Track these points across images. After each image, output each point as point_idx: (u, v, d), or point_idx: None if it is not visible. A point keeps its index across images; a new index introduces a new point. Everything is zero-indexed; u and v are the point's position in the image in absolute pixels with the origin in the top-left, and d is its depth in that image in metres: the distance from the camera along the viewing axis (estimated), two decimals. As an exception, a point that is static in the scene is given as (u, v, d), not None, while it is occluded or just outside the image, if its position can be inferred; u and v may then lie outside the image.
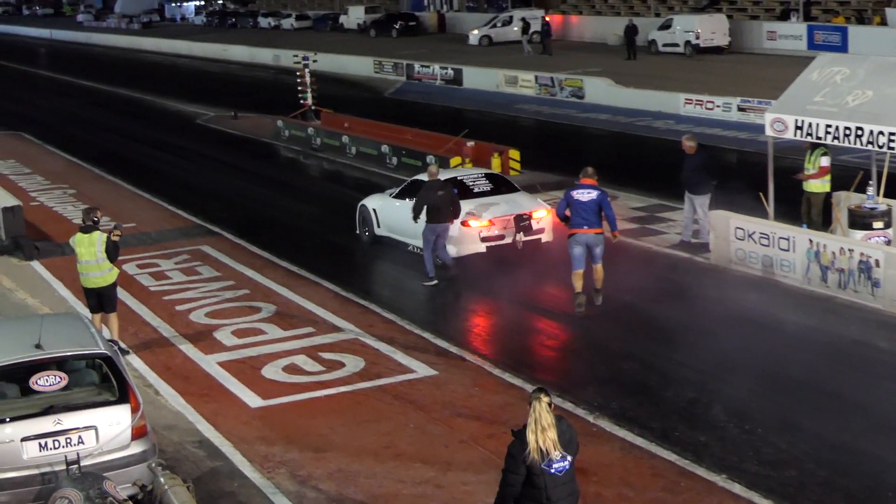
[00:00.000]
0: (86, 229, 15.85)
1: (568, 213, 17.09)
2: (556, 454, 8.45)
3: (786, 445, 12.16)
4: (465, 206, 19.33)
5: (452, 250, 19.21)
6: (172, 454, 12.53)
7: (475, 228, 19.36)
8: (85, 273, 15.92)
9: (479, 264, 19.56)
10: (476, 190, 20.20)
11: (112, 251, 15.76)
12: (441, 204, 18.77)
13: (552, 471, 8.45)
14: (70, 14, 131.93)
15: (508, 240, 19.43)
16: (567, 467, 8.54)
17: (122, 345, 15.86)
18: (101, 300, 16.00)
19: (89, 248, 15.75)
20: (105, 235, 15.78)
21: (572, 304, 16.97)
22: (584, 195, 17.02)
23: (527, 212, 19.63)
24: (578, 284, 16.95)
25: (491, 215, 19.47)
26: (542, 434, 8.40)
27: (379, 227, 21.37)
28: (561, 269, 18.33)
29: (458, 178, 20.43)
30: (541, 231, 19.75)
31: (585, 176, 17.36)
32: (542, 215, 19.76)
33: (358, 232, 22.00)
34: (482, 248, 19.40)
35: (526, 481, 8.49)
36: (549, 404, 8.47)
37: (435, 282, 18.86)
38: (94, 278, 15.89)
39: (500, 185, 20.68)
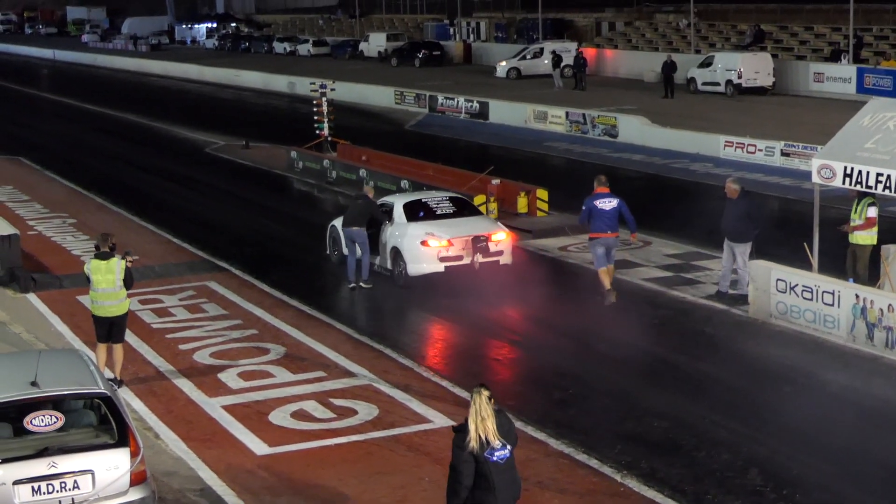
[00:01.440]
0: (102, 256, 16.15)
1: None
2: (496, 443, 9.77)
3: (827, 514, 12.14)
4: (426, 227, 21.32)
5: (413, 269, 21.01)
6: (172, 502, 12.56)
7: (434, 248, 21.08)
8: (100, 302, 16.21)
9: (496, 302, 19.81)
10: (438, 212, 22.04)
11: (129, 279, 16.19)
12: (355, 210, 21.66)
13: (494, 458, 9.77)
14: (75, 34, 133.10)
15: (467, 260, 21.14)
16: (507, 455, 9.86)
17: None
18: (111, 329, 16.30)
19: (106, 276, 16.06)
20: (123, 263, 16.13)
21: (603, 299, 19.84)
22: (607, 204, 20.02)
23: (485, 234, 21.30)
24: (607, 281, 19.98)
25: (449, 236, 21.14)
26: (482, 424, 9.73)
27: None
28: (570, 303, 18.53)
29: (423, 199, 22.50)
30: (499, 253, 21.46)
31: (601, 184, 20.25)
32: (501, 238, 21.53)
33: (328, 252, 23.27)
34: (441, 267, 21.10)
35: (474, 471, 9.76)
36: (490, 398, 9.81)
37: (353, 287, 21.51)
38: (110, 307, 16.21)
39: (463, 207, 22.51)
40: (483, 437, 9.73)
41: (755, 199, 21.29)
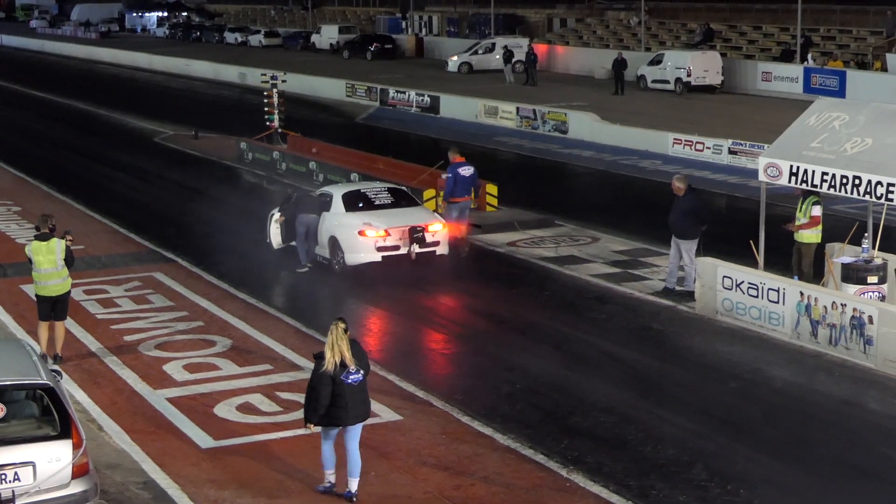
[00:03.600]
0: (43, 237, 16.47)
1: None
2: (351, 367, 11.82)
3: (770, 510, 12.21)
4: (364, 217, 21.62)
5: (350, 258, 21.31)
6: (115, 495, 12.43)
7: (371, 238, 21.35)
8: (43, 282, 16.53)
9: (439, 294, 19.77)
10: (377, 202, 22.38)
11: (70, 257, 16.51)
12: (309, 202, 22.40)
13: (349, 381, 11.87)
14: (23, 19, 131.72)
15: (404, 250, 21.38)
16: (360, 379, 11.98)
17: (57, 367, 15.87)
18: (54, 307, 16.62)
19: (48, 256, 16.35)
20: (63, 242, 16.41)
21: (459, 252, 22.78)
22: (467, 171, 23.23)
23: (421, 224, 21.62)
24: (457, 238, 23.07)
25: (386, 226, 21.45)
26: (338, 349, 11.78)
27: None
28: (515, 297, 18.47)
29: (361, 190, 22.94)
30: (436, 244, 21.80)
31: (458, 154, 23.38)
32: (438, 229, 21.89)
33: (268, 241, 23.17)
34: (378, 257, 21.41)
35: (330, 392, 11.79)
36: (345, 330, 11.88)
37: (306, 269, 22.02)
38: (54, 286, 16.52)
39: (401, 198, 22.83)
40: (338, 361, 11.76)
41: (701, 197, 21.36)
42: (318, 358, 11.90)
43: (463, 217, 23.36)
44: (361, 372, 11.97)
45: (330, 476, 12.40)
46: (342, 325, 11.92)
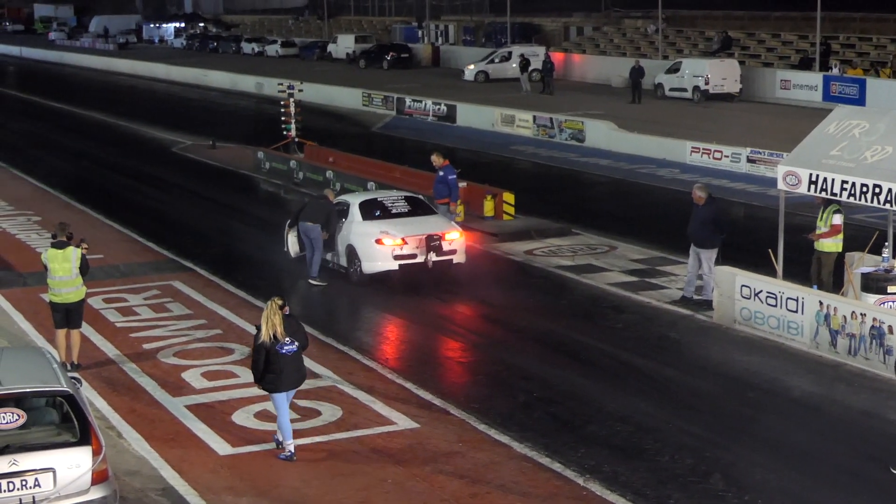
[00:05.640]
0: (59, 245, 16.66)
1: None
2: (285, 339, 13.28)
3: (788, 518, 12.20)
4: (381, 225, 21.75)
5: (367, 266, 21.42)
6: (134, 502, 12.51)
7: (388, 247, 21.44)
8: (57, 289, 16.71)
9: (456, 302, 19.84)
10: (394, 210, 22.47)
11: (85, 266, 16.71)
12: (314, 208, 22.21)
13: (283, 351, 13.34)
14: (42, 31, 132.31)
15: (420, 259, 21.46)
16: (294, 350, 13.44)
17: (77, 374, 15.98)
18: (68, 316, 16.77)
19: (63, 264, 16.54)
20: (79, 251, 16.62)
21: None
22: (454, 173, 24.39)
23: (438, 233, 21.66)
24: None
25: (403, 234, 21.51)
26: (271, 324, 13.26)
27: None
28: (532, 305, 18.48)
29: (378, 198, 23.01)
30: (452, 252, 21.87)
31: (445, 158, 24.74)
32: (455, 237, 21.97)
33: (285, 249, 23.10)
34: (395, 265, 21.46)
35: (267, 360, 13.30)
36: (281, 307, 13.41)
37: (314, 282, 21.92)
38: (68, 294, 16.69)
39: (418, 207, 22.91)
40: (272, 334, 13.21)
41: (721, 206, 21.34)
42: (258, 329, 13.48)
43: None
44: (295, 344, 13.42)
45: (290, 446, 13.62)
46: (278, 302, 13.44)
